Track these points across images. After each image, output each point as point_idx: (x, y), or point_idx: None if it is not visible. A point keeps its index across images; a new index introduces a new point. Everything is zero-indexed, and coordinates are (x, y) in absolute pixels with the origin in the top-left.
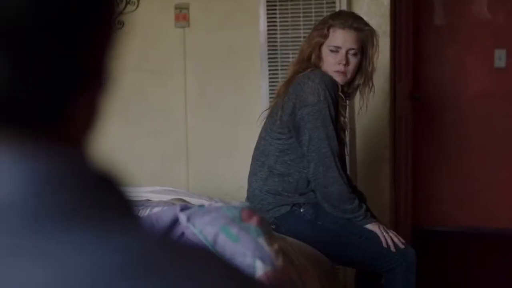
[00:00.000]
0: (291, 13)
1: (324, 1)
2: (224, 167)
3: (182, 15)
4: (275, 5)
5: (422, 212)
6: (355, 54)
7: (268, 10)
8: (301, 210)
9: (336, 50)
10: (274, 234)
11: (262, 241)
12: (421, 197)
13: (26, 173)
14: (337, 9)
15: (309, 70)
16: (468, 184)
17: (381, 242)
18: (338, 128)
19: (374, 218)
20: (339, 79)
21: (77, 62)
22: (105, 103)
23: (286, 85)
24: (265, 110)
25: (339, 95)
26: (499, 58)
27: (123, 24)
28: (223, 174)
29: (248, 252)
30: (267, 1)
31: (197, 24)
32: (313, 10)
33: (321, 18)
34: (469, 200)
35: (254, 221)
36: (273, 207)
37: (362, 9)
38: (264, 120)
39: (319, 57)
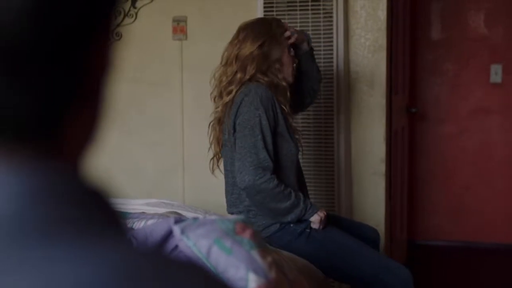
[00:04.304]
0: (288, 25)
1: (321, 14)
2: (220, 180)
3: (179, 28)
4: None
5: (418, 226)
6: None
7: None
8: (291, 225)
9: (290, 49)
10: (268, 247)
11: (255, 254)
12: (417, 211)
13: (15, 187)
14: (334, 21)
15: (245, 84)
16: (464, 198)
17: (374, 258)
18: (291, 133)
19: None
20: (293, 78)
21: (74, 79)
22: (103, 121)
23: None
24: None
25: (279, 104)
26: (495, 73)
27: (121, 36)
28: (219, 186)
29: (242, 264)
30: (265, 15)
31: (195, 36)
32: (310, 22)
33: (318, 30)
34: (465, 214)
35: (247, 234)
36: (263, 228)
37: (359, 23)
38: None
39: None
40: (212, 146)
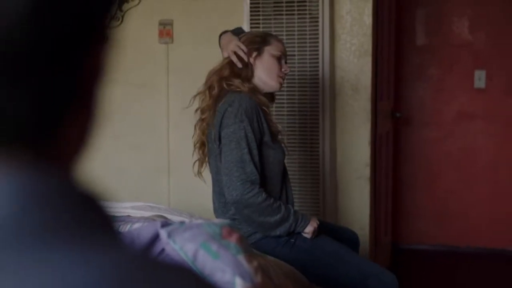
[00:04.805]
0: (274, 28)
1: (307, 19)
2: (205, 183)
3: (166, 31)
4: (259, 22)
5: (402, 230)
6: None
7: (251, 26)
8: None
9: (280, 57)
10: (254, 252)
11: (241, 258)
12: (401, 215)
13: (11, 191)
14: (320, 29)
15: (228, 94)
16: (448, 203)
17: (361, 264)
18: (276, 141)
19: (304, 215)
20: (279, 85)
21: (74, 81)
22: (96, 124)
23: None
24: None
25: (263, 112)
26: (479, 78)
27: (107, 39)
28: (205, 190)
29: (228, 268)
30: (251, 18)
31: (181, 40)
32: (296, 26)
33: (304, 35)
34: (449, 218)
35: (234, 239)
36: (248, 235)
37: (345, 29)
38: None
39: (253, 69)
40: (197, 148)
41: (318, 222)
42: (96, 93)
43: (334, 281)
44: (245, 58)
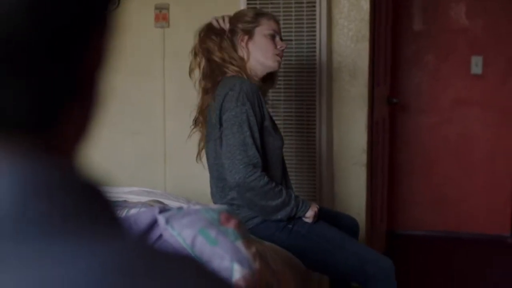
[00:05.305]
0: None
1: (304, 4)
2: (202, 169)
3: (162, 15)
4: (255, 6)
5: (398, 216)
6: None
7: None
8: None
9: (273, 35)
10: (252, 238)
11: (240, 244)
12: (397, 201)
13: (12, 182)
14: (317, 14)
15: (227, 76)
16: (445, 189)
17: (359, 250)
18: (273, 127)
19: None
20: (277, 63)
21: (74, 72)
22: (96, 116)
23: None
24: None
25: (261, 97)
26: (476, 64)
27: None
28: (201, 176)
29: (226, 255)
30: (248, 2)
31: (177, 24)
32: (293, 12)
33: (301, 20)
34: (445, 204)
35: (232, 225)
36: (246, 220)
37: (342, 14)
38: (203, 142)
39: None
40: (199, 131)
41: (318, 207)
42: (97, 83)
43: (332, 267)
44: (224, 27)
